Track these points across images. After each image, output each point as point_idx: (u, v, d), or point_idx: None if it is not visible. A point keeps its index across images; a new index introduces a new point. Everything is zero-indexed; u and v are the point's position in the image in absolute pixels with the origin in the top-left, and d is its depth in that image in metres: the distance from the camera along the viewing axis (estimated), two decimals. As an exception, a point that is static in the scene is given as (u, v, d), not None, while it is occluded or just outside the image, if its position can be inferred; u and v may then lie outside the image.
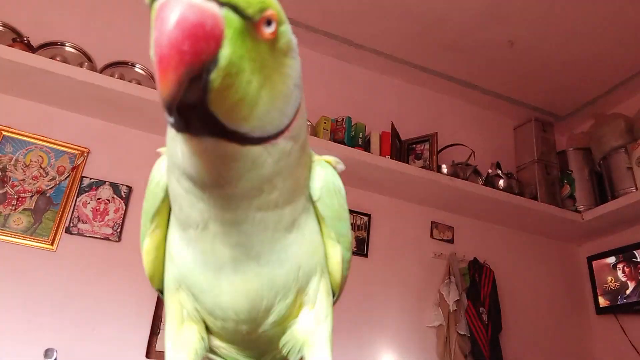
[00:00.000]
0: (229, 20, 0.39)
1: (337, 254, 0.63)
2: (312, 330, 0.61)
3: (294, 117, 0.51)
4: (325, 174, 0.61)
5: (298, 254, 0.58)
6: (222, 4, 0.39)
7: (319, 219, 0.62)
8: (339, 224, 0.62)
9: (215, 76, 0.39)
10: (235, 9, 0.40)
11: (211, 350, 0.67)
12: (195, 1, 0.38)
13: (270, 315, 0.60)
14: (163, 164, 0.59)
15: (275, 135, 0.48)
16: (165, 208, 0.61)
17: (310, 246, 0.61)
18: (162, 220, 0.62)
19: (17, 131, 1.93)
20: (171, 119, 0.40)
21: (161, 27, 0.38)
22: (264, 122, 0.46)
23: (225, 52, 0.39)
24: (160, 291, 0.68)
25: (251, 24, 0.41)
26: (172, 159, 0.50)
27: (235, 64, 0.40)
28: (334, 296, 0.67)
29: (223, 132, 0.44)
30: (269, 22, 0.43)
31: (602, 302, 2.61)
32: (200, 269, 0.57)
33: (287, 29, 0.47)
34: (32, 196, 1.88)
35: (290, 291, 0.59)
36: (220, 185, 0.48)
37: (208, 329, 0.64)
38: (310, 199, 0.60)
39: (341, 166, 0.66)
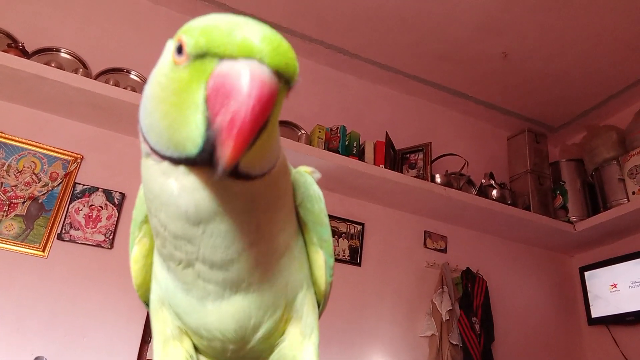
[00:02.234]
0: (281, 90, 0.42)
1: (320, 259, 0.63)
2: (299, 345, 0.61)
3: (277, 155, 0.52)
4: (304, 181, 0.62)
5: (287, 272, 0.59)
6: (279, 77, 0.41)
7: (300, 226, 0.62)
8: (321, 229, 0.63)
9: (261, 137, 0.41)
10: (288, 81, 0.43)
11: None
12: (264, 74, 0.39)
13: (258, 332, 0.59)
14: None
15: (271, 168, 0.50)
16: None
17: (298, 262, 0.61)
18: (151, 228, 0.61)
19: (10, 137, 1.92)
20: (220, 172, 0.40)
21: (239, 98, 0.38)
22: (269, 162, 0.49)
23: (273, 117, 0.43)
24: (147, 303, 0.66)
25: (288, 91, 0.45)
26: (158, 197, 0.48)
27: (274, 123, 0.44)
28: (319, 307, 0.67)
29: (234, 173, 0.44)
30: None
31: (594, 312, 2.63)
32: (182, 294, 0.56)
33: None
34: (24, 202, 1.86)
35: (279, 307, 0.59)
36: (218, 220, 0.48)
37: (195, 346, 0.63)
38: (295, 211, 0.61)
39: (317, 175, 0.66)
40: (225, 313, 0.56)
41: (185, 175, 0.45)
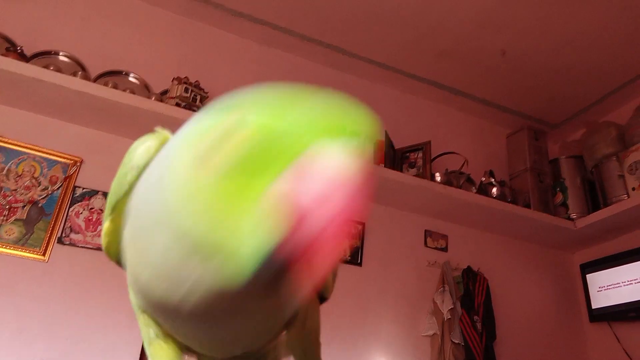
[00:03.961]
0: None
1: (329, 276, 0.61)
2: (302, 345, 0.60)
3: None
4: None
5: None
6: None
7: None
8: None
9: None
10: None
11: None
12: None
13: (250, 348, 0.57)
14: (140, 153, 0.52)
15: None
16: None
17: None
18: (123, 210, 0.54)
19: (9, 141, 1.92)
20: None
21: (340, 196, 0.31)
22: None
23: None
24: (118, 262, 0.63)
25: None
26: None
27: None
28: (325, 299, 0.65)
29: None
30: None
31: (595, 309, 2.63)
32: (161, 310, 0.50)
33: None
34: (24, 206, 1.86)
35: (276, 328, 0.56)
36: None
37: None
38: None
39: None
40: (213, 340, 0.52)
41: None
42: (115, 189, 0.54)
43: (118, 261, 0.62)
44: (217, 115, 0.38)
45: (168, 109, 1.95)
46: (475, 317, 2.33)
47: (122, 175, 0.53)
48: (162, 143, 0.52)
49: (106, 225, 0.57)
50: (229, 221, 0.33)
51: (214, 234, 0.34)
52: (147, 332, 0.58)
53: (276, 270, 0.31)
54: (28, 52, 1.97)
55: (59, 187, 1.93)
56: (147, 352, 0.59)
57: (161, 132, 0.55)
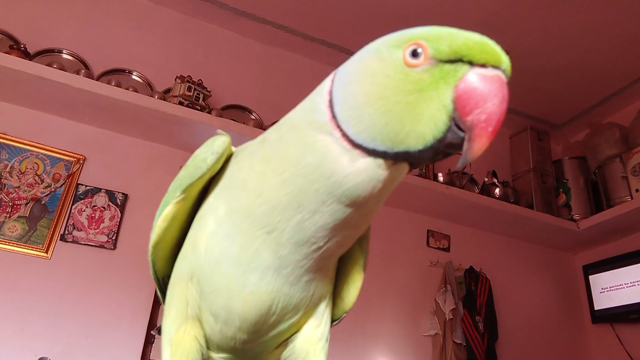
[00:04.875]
0: None
1: (361, 280, 0.65)
2: (312, 347, 0.61)
3: None
4: None
5: (321, 283, 0.59)
6: None
7: (354, 254, 0.65)
8: (367, 252, 0.65)
9: None
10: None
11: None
12: (506, 82, 0.47)
13: (273, 330, 0.59)
14: (221, 140, 0.59)
15: None
16: (201, 185, 0.60)
17: (332, 273, 0.62)
18: (191, 195, 0.60)
19: (13, 138, 1.92)
20: (464, 163, 0.48)
21: (495, 100, 0.45)
22: None
23: None
24: (155, 271, 0.66)
25: None
26: (319, 174, 0.50)
27: None
28: (338, 319, 0.68)
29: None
30: None
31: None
32: (226, 265, 0.56)
33: None
34: (27, 203, 1.87)
35: (299, 312, 0.59)
36: (369, 202, 0.51)
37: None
38: None
39: None
40: (254, 302, 0.56)
41: (376, 163, 0.48)
42: (189, 172, 0.59)
43: (156, 259, 0.65)
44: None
45: (171, 108, 1.95)
46: (477, 318, 2.33)
47: (200, 160, 0.58)
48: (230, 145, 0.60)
49: (169, 209, 0.60)
50: (412, 121, 0.46)
51: (404, 130, 0.46)
52: (184, 308, 0.60)
53: (454, 137, 0.46)
54: (31, 50, 1.97)
55: (62, 185, 1.94)
56: (171, 332, 0.60)
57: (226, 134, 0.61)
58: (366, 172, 0.48)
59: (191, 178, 0.59)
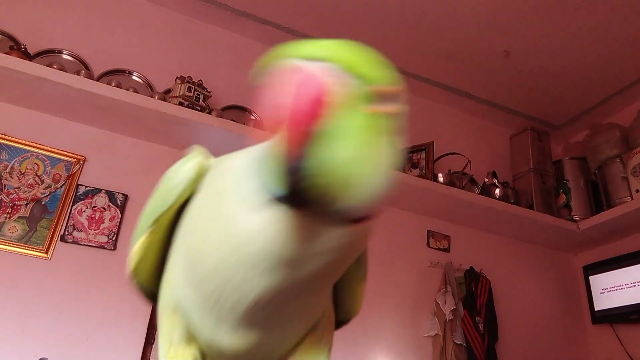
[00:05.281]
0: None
1: (363, 290, 0.62)
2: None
3: None
4: None
5: (311, 311, 0.57)
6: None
7: (351, 268, 0.61)
8: (366, 263, 0.61)
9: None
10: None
11: None
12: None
13: (270, 353, 0.58)
14: (189, 166, 0.55)
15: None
16: (172, 214, 0.58)
17: (320, 299, 0.59)
18: (164, 224, 0.59)
19: (13, 139, 1.92)
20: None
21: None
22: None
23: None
24: (142, 290, 0.65)
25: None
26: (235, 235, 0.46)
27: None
28: (345, 323, 0.66)
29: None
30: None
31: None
32: (199, 314, 0.53)
33: None
34: (27, 204, 1.87)
35: (294, 339, 0.58)
36: (298, 265, 0.45)
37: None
38: None
39: None
40: (242, 343, 0.53)
41: (281, 218, 0.43)
42: (159, 203, 0.57)
43: (141, 281, 0.64)
44: None
45: (171, 108, 1.95)
46: (478, 318, 2.33)
47: (166, 191, 0.56)
48: (205, 164, 0.56)
49: (143, 239, 0.59)
50: None
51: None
52: (171, 334, 0.59)
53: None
54: (32, 51, 1.97)
55: (62, 185, 1.94)
56: (164, 354, 0.59)
57: (201, 152, 0.58)
58: (272, 227, 0.43)
59: (161, 209, 0.57)
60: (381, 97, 0.41)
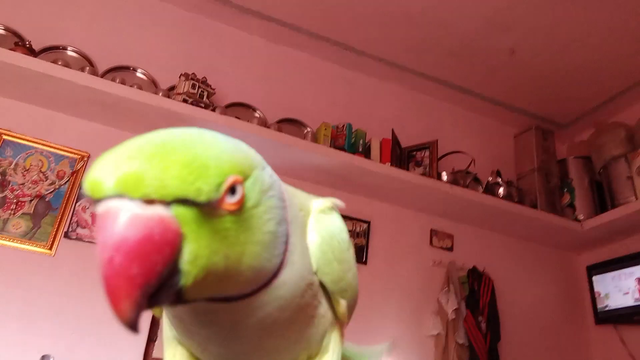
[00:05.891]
0: (182, 217, 0.35)
1: (342, 307, 0.60)
2: None
3: (285, 249, 0.46)
4: (320, 239, 0.54)
5: (313, 329, 0.56)
6: (168, 203, 0.35)
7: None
8: (342, 283, 0.57)
9: (184, 277, 0.36)
10: (185, 201, 0.35)
11: None
12: (136, 211, 0.33)
13: None
14: None
15: (270, 279, 0.45)
16: None
17: (325, 316, 0.57)
18: None
19: (17, 135, 1.93)
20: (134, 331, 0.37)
21: (102, 251, 0.33)
22: (255, 278, 0.43)
23: (188, 249, 0.36)
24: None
25: (210, 206, 0.36)
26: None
27: (202, 255, 0.37)
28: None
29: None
30: (232, 191, 0.38)
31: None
32: (195, 351, 0.56)
33: (255, 177, 0.41)
34: (31, 200, 1.87)
35: (298, 357, 0.58)
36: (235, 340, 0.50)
37: None
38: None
39: (340, 203, 0.60)
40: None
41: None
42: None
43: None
44: None
45: (175, 105, 1.95)
46: (480, 318, 2.32)
47: None
48: None
49: None
50: None
51: None
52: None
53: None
54: (36, 47, 1.97)
55: (66, 182, 1.94)
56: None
57: None
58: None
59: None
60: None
